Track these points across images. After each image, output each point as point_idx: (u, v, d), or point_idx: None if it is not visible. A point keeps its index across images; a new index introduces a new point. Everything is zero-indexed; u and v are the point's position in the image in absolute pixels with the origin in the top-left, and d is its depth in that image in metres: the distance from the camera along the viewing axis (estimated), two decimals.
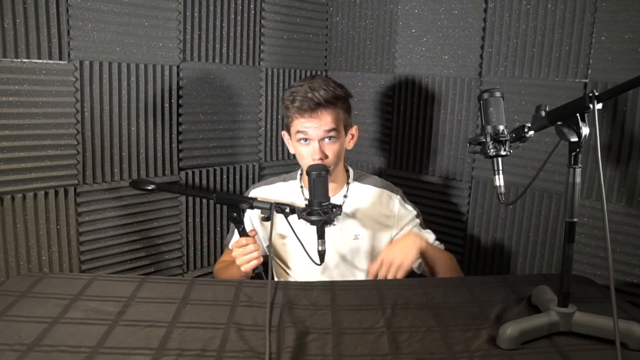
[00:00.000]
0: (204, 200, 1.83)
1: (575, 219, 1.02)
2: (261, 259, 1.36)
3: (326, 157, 1.42)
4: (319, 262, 1.31)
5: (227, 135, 1.86)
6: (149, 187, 1.51)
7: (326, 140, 1.43)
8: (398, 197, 1.56)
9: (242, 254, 1.34)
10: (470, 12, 1.69)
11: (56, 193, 1.48)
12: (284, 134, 1.56)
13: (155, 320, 1.04)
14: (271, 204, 1.30)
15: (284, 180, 1.60)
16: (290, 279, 1.54)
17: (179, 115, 1.72)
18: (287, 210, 1.31)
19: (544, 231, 1.60)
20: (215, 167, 1.85)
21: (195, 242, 1.83)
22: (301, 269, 1.52)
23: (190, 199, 1.78)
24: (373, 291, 1.21)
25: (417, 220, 1.55)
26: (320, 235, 1.30)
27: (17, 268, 1.42)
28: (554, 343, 0.99)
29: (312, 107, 1.39)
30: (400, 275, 1.32)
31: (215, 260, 1.92)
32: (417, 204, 1.65)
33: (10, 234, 1.40)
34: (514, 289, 1.25)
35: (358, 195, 1.54)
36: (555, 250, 1.59)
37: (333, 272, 1.51)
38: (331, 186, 1.49)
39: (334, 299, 1.17)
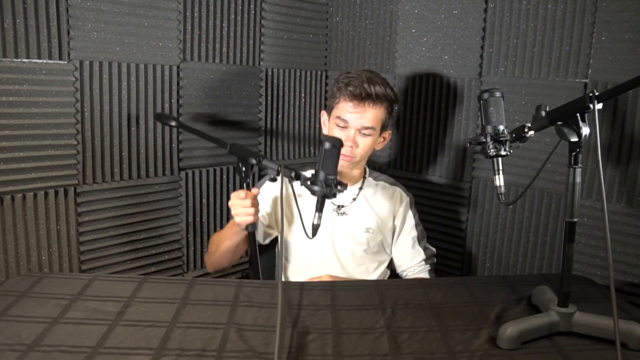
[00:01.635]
0: (204, 200, 1.83)
1: (575, 219, 1.02)
2: (257, 217, 1.34)
3: (357, 146, 1.45)
4: (311, 236, 1.27)
5: (227, 135, 1.86)
6: (172, 123, 1.57)
7: (362, 132, 1.45)
8: (408, 199, 1.58)
9: (240, 205, 1.32)
10: (470, 12, 1.69)
11: (56, 193, 1.48)
12: (323, 113, 1.59)
13: (155, 320, 1.04)
14: (279, 165, 1.27)
15: (303, 170, 1.60)
16: (301, 262, 1.53)
17: (179, 115, 1.72)
18: (293, 175, 1.27)
19: (544, 231, 1.60)
20: (215, 167, 1.85)
21: (195, 242, 1.83)
22: (308, 251, 1.52)
23: (190, 199, 1.79)
24: (373, 291, 1.21)
25: (415, 233, 1.56)
26: (319, 209, 1.26)
27: (17, 268, 1.42)
28: (554, 343, 0.99)
29: (363, 97, 1.42)
30: None
31: None
32: (418, 204, 1.65)
33: (10, 234, 1.40)
34: (514, 289, 1.25)
35: (372, 190, 1.56)
36: (555, 250, 1.59)
37: (343, 261, 1.51)
38: (350, 177, 1.54)
39: (334, 299, 1.17)
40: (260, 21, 1.89)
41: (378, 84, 1.44)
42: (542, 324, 1.01)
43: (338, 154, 1.24)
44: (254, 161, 1.33)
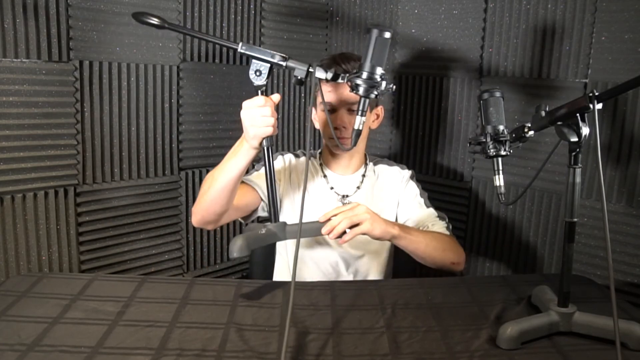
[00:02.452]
0: None
1: (575, 219, 1.02)
2: (276, 130, 1.16)
3: (350, 126, 1.37)
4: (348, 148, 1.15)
5: (227, 135, 1.86)
6: (154, 21, 1.19)
7: (351, 109, 1.38)
8: (407, 173, 1.53)
9: (259, 114, 1.13)
10: (470, 12, 1.69)
11: (56, 193, 1.48)
12: (311, 110, 1.52)
13: (155, 320, 1.04)
14: (310, 64, 1.11)
15: (310, 155, 1.55)
16: (304, 256, 1.46)
17: (179, 115, 1.72)
18: (329, 75, 1.10)
19: (544, 231, 1.60)
20: None
21: (195, 242, 1.83)
22: (312, 244, 1.46)
23: (190, 199, 1.78)
24: (373, 291, 1.21)
25: (421, 199, 1.50)
26: (361, 111, 1.09)
27: (17, 268, 1.42)
28: (554, 343, 0.99)
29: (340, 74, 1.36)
30: (349, 234, 1.18)
31: (215, 261, 1.92)
32: None
33: (10, 234, 1.40)
34: (514, 289, 1.25)
35: (374, 176, 1.53)
36: (555, 250, 1.59)
37: (352, 253, 1.46)
38: (352, 164, 1.50)
39: (334, 299, 1.17)
40: (260, 21, 1.89)
41: (353, 60, 1.36)
42: (542, 324, 1.01)
43: (388, 43, 1.04)
44: (276, 59, 1.12)
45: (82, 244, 1.56)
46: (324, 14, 2.07)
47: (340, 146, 1.29)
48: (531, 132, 1.11)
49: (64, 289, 1.16)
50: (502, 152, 1.16)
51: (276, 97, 1.16)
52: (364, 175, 1.52)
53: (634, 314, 1.11)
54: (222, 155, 1.86)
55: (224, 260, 1.93)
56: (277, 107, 1.16)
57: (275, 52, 1.14)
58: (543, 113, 1.06)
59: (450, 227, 1.46)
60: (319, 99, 1.42)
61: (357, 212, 1.21)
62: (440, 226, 1.44)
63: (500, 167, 1.17)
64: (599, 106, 0.93)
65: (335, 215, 1.21)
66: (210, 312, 1.08)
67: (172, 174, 1.74)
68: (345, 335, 1.01)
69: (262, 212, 1.45)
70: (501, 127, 1.16)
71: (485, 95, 1.19)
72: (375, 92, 1.06)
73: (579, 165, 1.01)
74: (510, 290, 1.24)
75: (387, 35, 1.03)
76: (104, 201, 1.59)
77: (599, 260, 1.49)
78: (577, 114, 0.98)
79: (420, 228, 1.45)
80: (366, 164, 1.54)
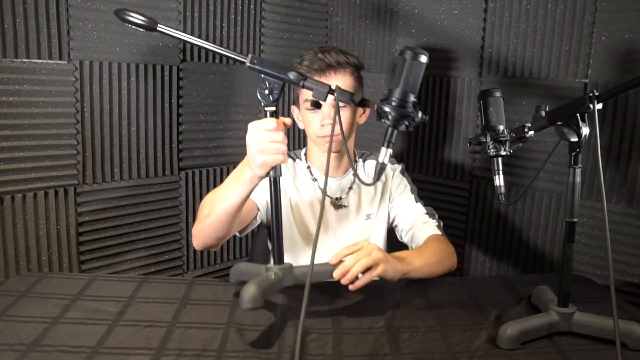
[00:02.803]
0: None
1: (575, 219, 1.02)
2: (287, 158, 1.04)
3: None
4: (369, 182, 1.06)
5: (227, 135, 1.86)
6: (136, 19, 1.03)
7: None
8: (397, 167, 1.51)
9: (268, 139, 0.98)
10: (470, 12, 1.69)
11: (56, 193, 1.48)
12: (293, 109, 1.46)
13: (155, 320, 1.04)
14: (329, 86, 0.98)
15: (294, 157, 1.51)
16: (298, 259, 1.41)
17: (179, 115, 1.72)
18: (356, 98, 0.98)
19: (544, 231, 1.60)
20: (215, 167, 1.85)
21: None
22: (307, 252, 1.40)
23: (190, 199, 1.78)
24: (373, 291, 1.21)
25: (412, 196, 1.47)
26: (388, 142, 0.96)
27: (17, 268, 1.42)
28: (554, 343, 0.99)
29: (322, 68, 1.30)
30: (362, 280, 1.08)
31: (215, 261, 1.92)
32: None
33: (10, 234, 1.40)
34: (514, 289, 1.25)
35: (365, 173, 1.50)
36: (555, 250, 1.59)
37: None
38: (342, 165, 1.45)
39: (334, 299, 1.17)
40: (260, 21, 1.89)
41: (334, 52, 1.32)
42: (542, 324, 1.01)
43: (423, 68, 0.94)
44: (292, 77, 0.97)
45: (82, 244, 1.56)
46: (324, 14, 2.07)
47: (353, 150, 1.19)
48: (531, 132, 1.11)
49: (64, 289, 1.16)
50: (502, 152, 1.16)
51: (288, 120, 1.03)
52: (355, 175, 1.46)
53: (634, 314, 1.11)
54: (222, 155, 1.88)
55: (224, 260, 1.93)
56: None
57: (290, 68, 0.99)
58: (543, 113, 1.06)
59: (441, 223, 1.44)
60: (302, 97, 1.35)
61: (370, 254, 1.09)
62: (432, 225, 1.41)
63: (500, 167, 1.17)
64: (599, 106, 0.93)
65: (346, 255, 1.09)
66: (210, 312, 1.08)
67: (172, 174, 1.74)
68: (345, 335, 1.01)
69: (255, 222, 1.36)
70: (501, 127, 1.16)
71: (485, 95, 1.19)
72: (406, 123, 0.94)
73: (579, 165, 1.01)
74: (510, 290, 1.24)
75: (424, 59, 0.92)
76: (104, 201, 1.59)
77: (599, 260, 1.49)
78: (577, 114, 0.98)
79: (411, 227, 1.42)
80: (355, 162, 1.50)
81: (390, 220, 1.49)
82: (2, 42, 1.32)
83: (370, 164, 1.51)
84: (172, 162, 1.73)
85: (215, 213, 1.13)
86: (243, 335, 1.00)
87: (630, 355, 0.95)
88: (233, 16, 1.80)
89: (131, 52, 1.57)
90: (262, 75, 0.98)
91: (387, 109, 0.93)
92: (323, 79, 1.27)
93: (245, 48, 1.85)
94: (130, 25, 0.98)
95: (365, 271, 1.08)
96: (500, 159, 1.16)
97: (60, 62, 1.44)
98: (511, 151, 1.16)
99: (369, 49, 1.98)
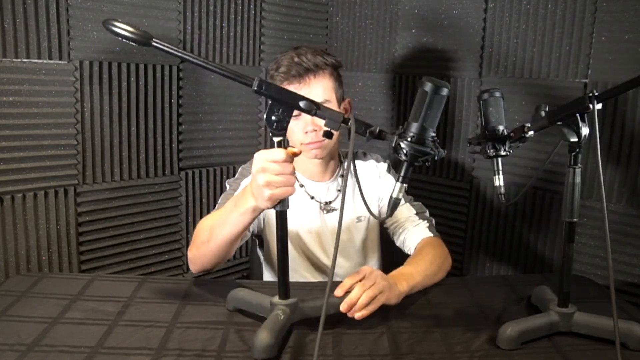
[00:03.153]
0: (204, 200, 1.83)
1: (575, 219, 1.02)
2: (294, 190, 0.97)
3: (320, 128, 1.25)
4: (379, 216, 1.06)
5: (227, 135, 1.86)
6: (124, 32, 0.87)
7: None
8: (383, 166, 1.49)
9: (277, 170, 0.93)
10: (470, 12, 1.69)
11: (56, 193, 1.48)
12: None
13: (155, 320, 1.04)
14: (342, 115, 0.94)
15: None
16: (292, 272, 1.41)
17: (179, 115, 1.72)
18: (375, 131, 0.92)
19: (544, 231, 1.60)
20: (215, 167, 1.85)
21: None
22: (299, 259, 1.42)
23: (190, 199, 1.78)
24: None
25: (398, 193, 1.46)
26: (404, 177, 0.93)
27: (17, 268, 1.42)
28: (554, 343, 0.99)
29: (301, 73, 1.26)
30: (367, 309, 1.04)
31: None
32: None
33: (10, 234, 1.40)
34: (514, 289, 1.25)
35: (351, 176, 1.42)
36: (555, 250, 1.59)
37: (342, 257, 1.43)
38: (329, 169, 1.42)
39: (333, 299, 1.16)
40: (260, 21, 1.89)
41: (309, 53, 1.28)
42: (542, 324, 1.01)
43: (444, 101, 0.90)
44: (303, 105, 0.92)
45: (82, 244, 1.56)
46: (324, 14, 2.07)
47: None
48: (531, 132, 1.10)
49: (64, 289, 1.16)
50: (502, 152, 1.16)
51: (297, 150, 0.99)
52: (342, 176, 1.45)
53: (634, 314, 1.11)
54: (222, 155, 1.88)
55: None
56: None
57: (302, 96, 0.92)
58: (543, 113, 1.06)
59: (433, 221, 1.42)
60: None
61: (375, 283, 1.07)
62: (423, 227, 1.38)
63: (500, 167, 1.16)
64: (599, 106, 0.93)
65: (351, 285, 1.07)
66: (210, 312, 1.08)
67: (172, 174, 1.74)
68: (345, 335, 1.01)
69: (247, 235, 1.34)
70: (501, 127, 1.16)
71: (485, 95, 1.19)
72: (424, 159, 0.90)
73: (579, 165, 1.01)
74: (510, 290, 1.24)
75: (445, 92, 0.89)
76: (104, 201, 1.59)
77: (599, 260, 1.49)
78: (577, 114, 0.98)
79: (402, 231, 1.40)
80: (341, 163, 1.47)
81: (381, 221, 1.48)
82: (2, 42, 1.32)
83: (357, 165, 1.44)
84: (172, 162, 1.73)
85: (215, 241, 1.10)
86: (243, 335, 1.00)
87: (630, 355, 0.95)
88: (233, 16, 1.80)
89: (131, 52, 1.57)
90: (271, 102, 0.92)
91: (403, 145, 0.88)
92: (303, 85, 1.26)
93: (245, 48, 1.85)
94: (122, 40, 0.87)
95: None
96: (500, 159, 1.16)
97: (60, 62, 1.44)
98: (511, 151, 1.16)
99: (369, 49, 1.98)
